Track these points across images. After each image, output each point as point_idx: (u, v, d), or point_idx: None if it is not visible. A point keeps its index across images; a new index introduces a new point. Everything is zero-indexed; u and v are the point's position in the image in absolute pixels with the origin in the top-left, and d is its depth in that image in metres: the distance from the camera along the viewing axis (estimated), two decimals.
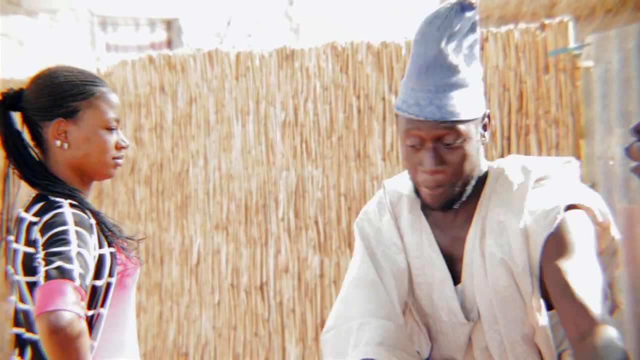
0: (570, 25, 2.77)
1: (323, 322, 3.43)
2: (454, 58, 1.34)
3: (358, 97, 3.31)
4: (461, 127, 1.33)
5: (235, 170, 3.69)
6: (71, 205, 1.53)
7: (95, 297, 1.52)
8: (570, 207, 1.38)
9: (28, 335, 1.53)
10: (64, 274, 1.38)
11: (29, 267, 1.50)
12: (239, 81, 3.67)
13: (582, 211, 1.40)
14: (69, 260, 1.41)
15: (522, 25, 2.90)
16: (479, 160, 1.40)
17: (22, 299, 1.53)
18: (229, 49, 3.73)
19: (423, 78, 1.34)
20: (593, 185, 2.72)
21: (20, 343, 1.55)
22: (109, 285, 1.54)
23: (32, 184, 1.59)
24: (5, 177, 1.61)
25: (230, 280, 3.72)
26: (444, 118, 1.33)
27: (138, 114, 4.03)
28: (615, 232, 1.48)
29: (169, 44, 7.18)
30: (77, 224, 1.48)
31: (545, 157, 1.53)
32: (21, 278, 1.52)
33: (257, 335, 3.63)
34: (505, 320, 1.40)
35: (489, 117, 1.40)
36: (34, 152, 1.62)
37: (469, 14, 1.35)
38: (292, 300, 3.50)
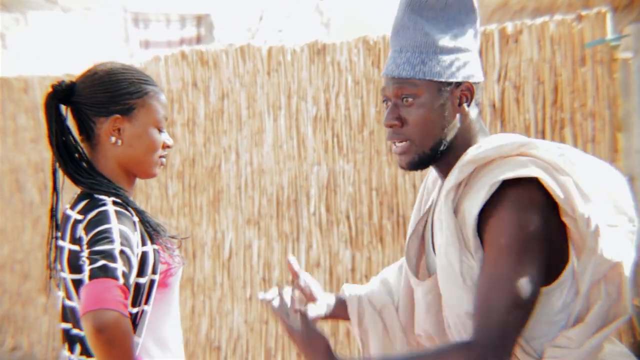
0: (608, 16, 2.71)
1: None
2: (424, 23, 1.43)
3: None
4: (416, 85, 1.42)
5: (267, 165, 3.70)
6: (114, 203, 1.53)
7: (139, 295, 1.53)
8: (514, 183, 1.36)
9: (76, 331, 1.55)
10: (107, 272, 1.40)
11: (74, 265, 1.51)
12: (270, 76, 3.67)
13: (524, 190, 1.36)
14: (112, 258, 1.42)
15: (558, 17, 2.84)
16: (446, 127, 1.44)
17: (68, 296, 1.55)
18: (261, 44, 3.73)
19: (394, 39, 1.46)
20: (631, 179, 2.67)
21: (69, 338, 1.57)
22: (152, 282, 1.55)
23: (76, 181, 1.59)
24: (54, 173, 1.61)
25: (262, 275, 3.73)
26: (399, 74, 1.42)
27: (171, 110, 4.06)
28: (617, 256, 1.39)
29: (199, 39, 7.22)
30: (120, 221, 1.49)
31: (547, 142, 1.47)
32: (67, 275, 1.53)
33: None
34: (449, 294, 1.42)
35: (471, 89, 1.44)
36: (81, 148, 1.62)
37: None
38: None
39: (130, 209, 1.56)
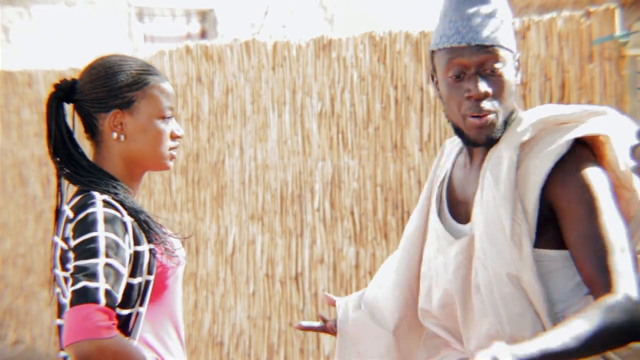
0: (617, 12, 2.69)
1: None
2: None
3: (395, 88, 3.28)
4: (501, 52, 1.42)
5: (271, 160, 3.68)
6: (105, 202, 1.48)
7: (131, 296, 1.48)
8: (582, 145, 1.39)
9: None
10: (87, 297, 1.36)
11: (64, 262, 1.48)
12: (275, 71, 3.66)
13: (591, 152, 1.39)
14: (94, 277, 1.38)
15: (565, 13, 2.83)
16: (515, 95, 1.46)
17: (63, 293, 1.52)
18: (265, 39, 3.72)
19: (462, 8, 1.44)
20: None
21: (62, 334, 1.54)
22: (147, 283, 1.51)
23: (73, 180, 1.55)
24: (59, 172, 1.59)
25: (265, 271, 3.72)
26: (484, 42, 1.41)
27: (175, 104, 4.05)
28: None
29: (204, 34, 7.21)
30: (107, 227, 1.44)
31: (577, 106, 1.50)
32: (59, 272, 1.50)
33: (291, 326, 3.64)
34: (491, 254, 1.38)
35: (518, 61, 1.47)
36: (80, 147, 1.58)
37: None
38: (327, 290, 3.50)
39: (123, 208, 1.50)
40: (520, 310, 1.37)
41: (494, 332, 1.40)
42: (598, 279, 1.30)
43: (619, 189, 1.40)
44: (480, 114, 1.42)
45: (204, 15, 7.31)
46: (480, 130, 1.43)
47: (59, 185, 1.59)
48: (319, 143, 3.51)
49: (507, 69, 1.43)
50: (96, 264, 1.39)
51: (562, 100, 2.82)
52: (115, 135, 1.55)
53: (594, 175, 1.36)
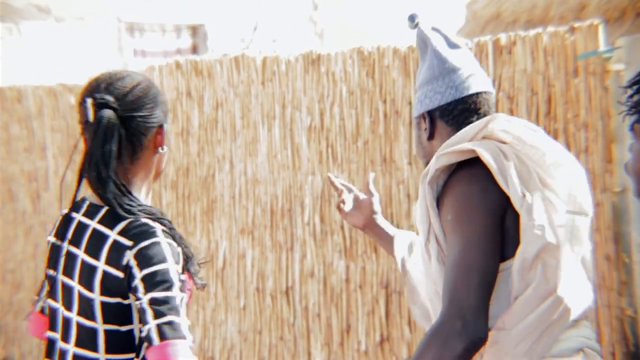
0: (601, 28, 2.73)
1: (348, 327, 3.43)
2: (419, 65, 1.74)
3: (384, 102, 3.30)
4: (415, 120, 1.73)
5: (261, 174, 3.70)
6: (164, 232, 1.49)
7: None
8: (462, 165, 1.55)
9: (80, 351, 1.50)
10: (177, 332, 1.41)
11: (112, 289, 1.46)
12: (265, 86, 3.68)
13: (467, 169, 1.53)
14: (177, 312, 1.42)
15: (551, 29, 2.87)
16: (423, 153, 1.72)
17: (87, 315, 1.49)
18: (255, 54, 3.74)
19: None
20: (624, 191, 2.68)
21: (60, 354, 1.52)
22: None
23: (115, 204, 1.50)
24: (62, 182, 1.62)
25: (255, 285, 3.72)
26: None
27: None
28: (550, 236, 1.46)
29: (194, 49, 7.23)
30: (174, 258, 1.46)
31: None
32: (96, 297, 1.48)
33: (282, 340, 3.63)
34: (422, 271, 1.60)
35: (422, 118, 1.70)
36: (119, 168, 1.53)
37: (411, 26, 1.73)
38: (318, 304, 3.50)
39: (174, 237, 1.51)
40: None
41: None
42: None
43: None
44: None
45: (194, 31, 7.33)
46: None
47: (61, 195, 1.62)
48: (309, 157, 3.53)
49: (417, 130, 1.71)
50: (174, 298, 1.43)
51: (548, 114, 2.86)
52: (165, 147, 1.59)
53: (456, 192, 1.51)
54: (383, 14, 8.36)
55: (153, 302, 1.41)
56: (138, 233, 1.47)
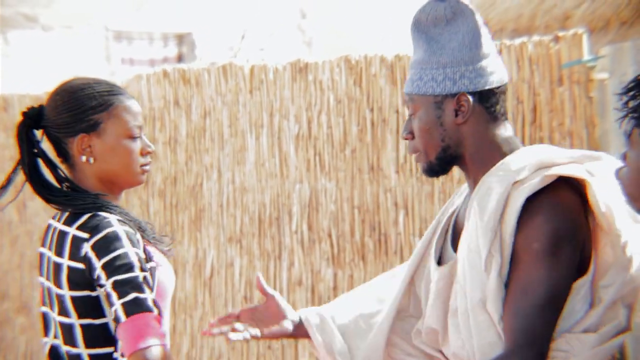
0: (585, 37, 2.76)
1: None
2: (425, 40, 1.51)
3: (372, 110, 3.32)
4: (414, 100, 1.51)
5: (249, 183, 3.70)
6: (120, 221, 1.52)
7: None
8: (560, 182, 1.40)
9: (67, 348, 1.53)
10: (142, 306, 1.43)
11: (78, 282, 1.50)
12: (253, 94, 3.69)
13: (560, 196, 1.39)
14: (140, 289, 1.44)
15: (535, 38, 2.90)
16: (446, 138, 1.49)
17: (63, 313, 1.53)
18: (243, 63, 3.75)
19: (413, 56, 1.56)
20: None
21: (57, 355, 1.55)
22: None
23: (61, 203, 1.57)
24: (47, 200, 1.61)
25: (243, 293, 3.72)
26: (405, 90, 1.54)
27: (152, 128, 4.06)
28: (631, 248, 1.42)
29: (182, 58, 7.24)
30: (129, 241, 1.49)
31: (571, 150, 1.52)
32: (66, 292, 1.51)
33: (270, 349, 3.63)
34: (470, 279, 1.42)
35: (459, 100, 1.48)
36: (61, 170, 1.61)
37: (442, 5, 1.51)
38: None
39: (131, 222, 1.55)
40: (492, 340, 1.40)
41: (463, 354, 1.46)
42: (508, 333, 1.36)
43: (601, 233, 1.41)
44: (410, 153, 1.56)
45: (181, 39, 7.34)
46: (420, 167, 1.56)
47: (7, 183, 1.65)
48: (297, 165, 3.54)
49: (422, 114, 1.50)
50: (136, 277, 1.45)
51: (534, 122, 2.88)
52: (84, 158, 1.58)
53: (551, 220, 1.38)
54: (371, 23, 8.40)
55: (116, 284, 1.44)
56: (94, 225, 1.51)
